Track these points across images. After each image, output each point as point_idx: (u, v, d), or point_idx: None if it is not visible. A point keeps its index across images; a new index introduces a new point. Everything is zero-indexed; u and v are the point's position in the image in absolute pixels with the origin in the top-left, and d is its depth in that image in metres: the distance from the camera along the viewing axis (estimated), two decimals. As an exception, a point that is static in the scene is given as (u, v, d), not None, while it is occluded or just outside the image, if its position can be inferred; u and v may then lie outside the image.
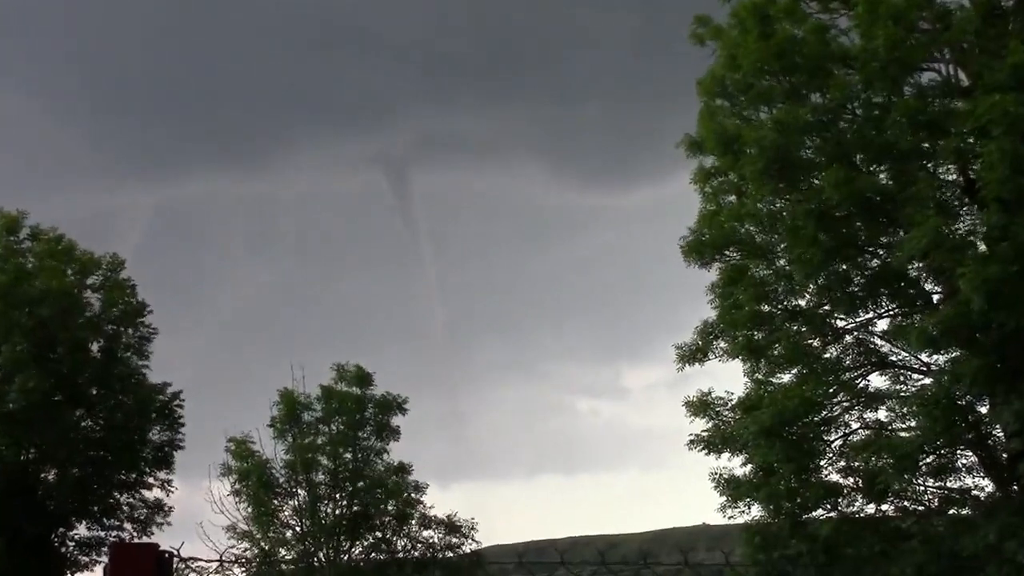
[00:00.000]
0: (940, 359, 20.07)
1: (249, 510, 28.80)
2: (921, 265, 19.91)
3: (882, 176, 20.74)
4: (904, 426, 20.82)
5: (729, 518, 21.86)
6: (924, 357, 20.77)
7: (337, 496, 29.32)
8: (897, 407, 21.05)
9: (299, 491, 29.08)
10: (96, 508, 32.12)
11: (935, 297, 20.59)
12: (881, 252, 21.12)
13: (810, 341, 22.08)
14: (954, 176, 20.45)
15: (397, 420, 30.50)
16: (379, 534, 29.41)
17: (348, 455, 29.80)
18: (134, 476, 32.54)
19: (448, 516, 29.37)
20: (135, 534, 31.68)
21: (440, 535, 29.46)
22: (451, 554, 29.58)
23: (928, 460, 20.16)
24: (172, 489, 33.14)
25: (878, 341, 21.82)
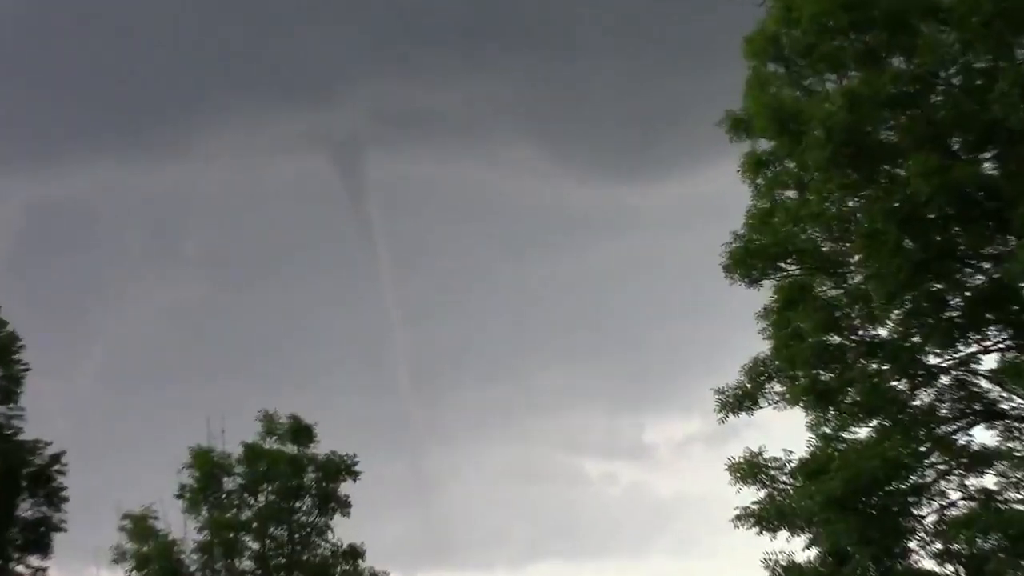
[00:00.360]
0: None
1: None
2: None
3: (986, 165, 20.53)
4: (1020, 496, 20.71)
5: (789, 621, 21.68)
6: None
7: (268, 589, 29.14)
8: (1009, 470, 20.97)
9: (217, 583, 28.94)
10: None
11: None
12: (986, 265, 20.91)
13: (894, 383, 21.81)
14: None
15: (346, 488, 30.49)
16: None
17: (282, 533, 29.82)
18: (-3, 565, 32.51)
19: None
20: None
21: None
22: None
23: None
24: (47, 582, 33.04)
25: (983, 383, 21.59)
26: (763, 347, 23.07)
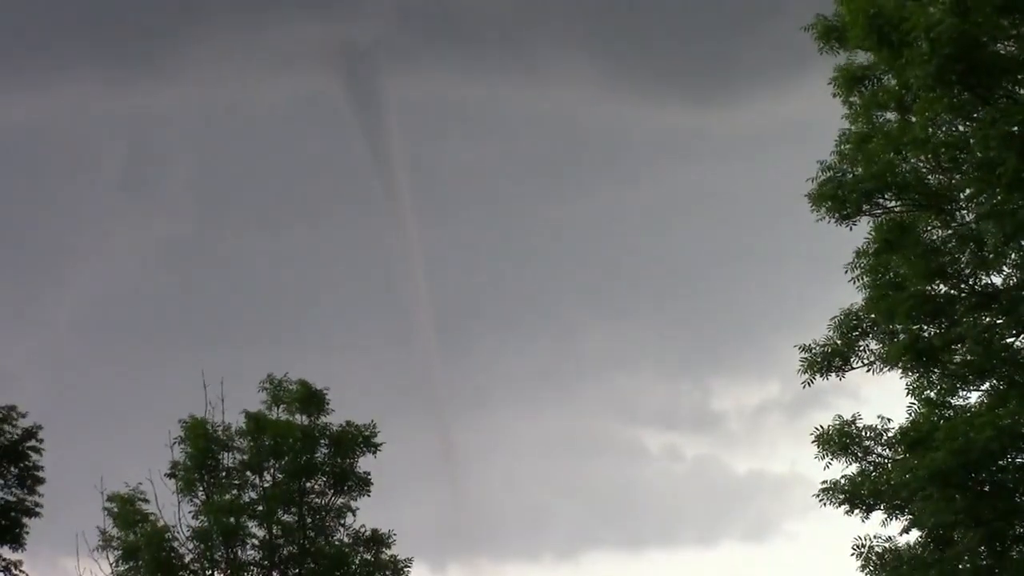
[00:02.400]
0: None
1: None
2: None
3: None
4: None
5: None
6: None
7: (276, 582, 29.47)
8: None
9: (217, 574, 29.07)
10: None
11: None
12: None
13: (1010, 340, 21.89)
14: None
15: (366, 463, 30.45)
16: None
17: (291, 518, 29.80)
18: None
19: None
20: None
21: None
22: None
23: None
24: (20, 575, 33.13)
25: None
26: (856, 297, 23.22)
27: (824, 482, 22.57)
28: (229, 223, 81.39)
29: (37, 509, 33.69)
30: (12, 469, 33.65)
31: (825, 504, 22.48)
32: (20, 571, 33.70)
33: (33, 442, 33.97)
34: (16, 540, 33.72)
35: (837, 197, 22.99)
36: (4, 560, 33.59)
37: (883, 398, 24.65)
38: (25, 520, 33.79)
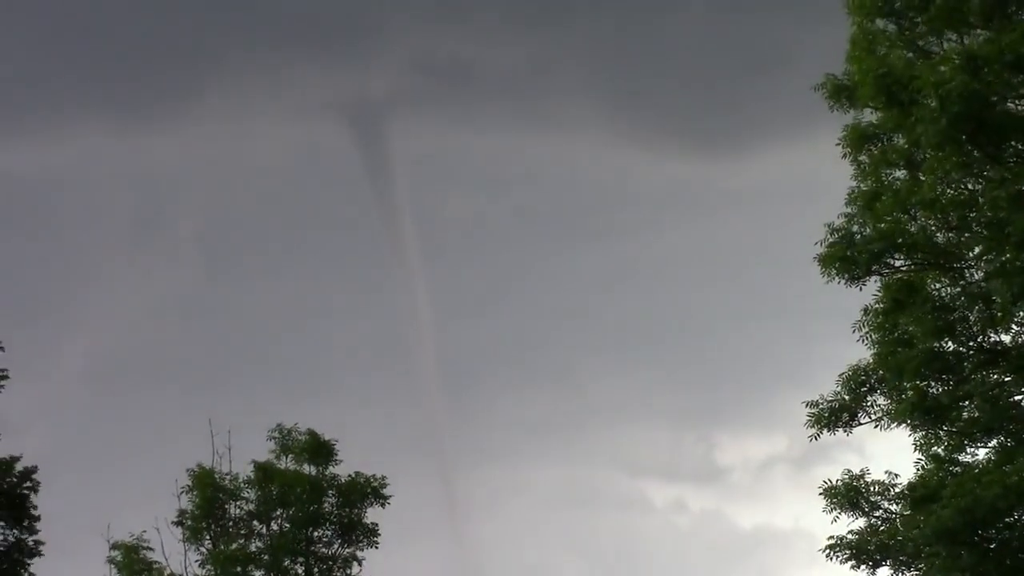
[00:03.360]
0: None
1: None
2: None
3: None
4: None
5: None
6: None
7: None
8: None
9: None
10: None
11: None
12: None
13: (1018, 398, 21.86)
14: None
15: (374, 514, 30.47)
16: None
17: (299, 568, 29.76)
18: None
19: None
20: None
21: None
22: None
23: None
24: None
25: None
26: (862, 354, 23.20)
27: (831, 537, 22.47)
28: (236, 274, 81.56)
29: (39, 548, 33.67)
30: (10, 514, 33.67)
31: (832, 559, 22.35)
32: None
33: (29, 483, 34.01)
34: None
35: (846, 259, 22.93)
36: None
37: (889, 453, 24.61)
38: (28, 561, 33.77)
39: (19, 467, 33.94)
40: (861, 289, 23.28)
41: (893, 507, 22.36)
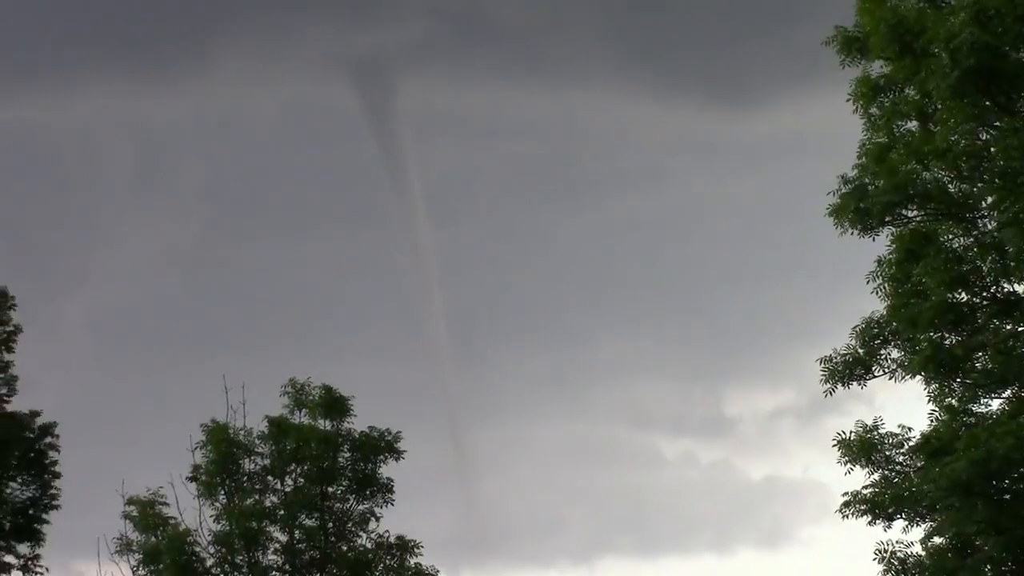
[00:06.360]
0: None
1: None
2: None
3: None
4: None
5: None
6: None
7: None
8: None
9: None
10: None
11: None
12: None
13: (1033, 348, 21.77)
14: None
15: (388, 468, 30.36)
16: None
17: (313, 523, 29.80)
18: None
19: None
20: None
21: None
22: None
23: None
24: (39, 571, 33.53)
25: None
26: (878, 306, 23.28)
27: (845, 494, 22.62)
28: (241, 229, 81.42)
29: (55, 504, 33.90)
30: (30, 470, 33.95)
31: (845, 516, 22.57)
32: (38, 567, 34.00)
33: (49, 439, 34.21)
34: (34, 537, 33.93)
35: (860, 210, 23.02)
36: (23, 557, 33.85)
37: (898, 405, 24.72)
38: (44, 516, 34.05)
39: (38, 422, 34.17)
40: (874, 240, 23.41)
41: (907, 460, 22.46)
